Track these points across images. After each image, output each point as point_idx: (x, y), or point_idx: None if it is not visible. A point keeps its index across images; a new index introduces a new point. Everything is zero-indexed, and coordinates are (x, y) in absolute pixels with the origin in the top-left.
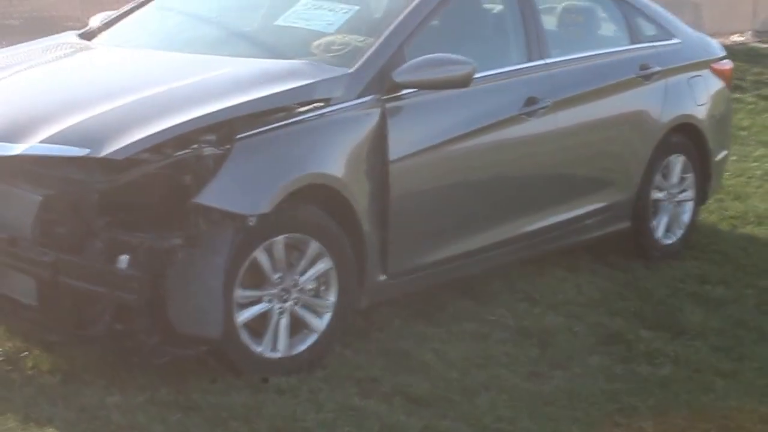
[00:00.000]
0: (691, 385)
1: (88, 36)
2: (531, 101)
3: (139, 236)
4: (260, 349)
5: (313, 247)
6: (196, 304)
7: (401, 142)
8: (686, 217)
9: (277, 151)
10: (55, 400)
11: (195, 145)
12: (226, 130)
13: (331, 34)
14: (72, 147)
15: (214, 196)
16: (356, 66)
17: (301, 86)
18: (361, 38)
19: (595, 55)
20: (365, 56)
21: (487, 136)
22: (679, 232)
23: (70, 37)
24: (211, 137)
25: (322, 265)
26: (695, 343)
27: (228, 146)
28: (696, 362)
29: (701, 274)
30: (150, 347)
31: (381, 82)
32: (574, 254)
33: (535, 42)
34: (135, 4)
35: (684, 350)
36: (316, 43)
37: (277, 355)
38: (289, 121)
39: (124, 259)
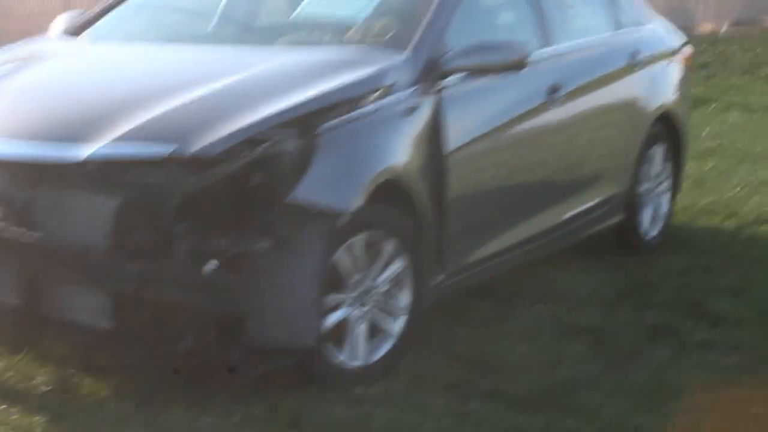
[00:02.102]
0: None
1: (75, 33)
2: (553, 89)
3: (227, 241)
4: (342, 357)
5: (390, 245)
6: (286, 311)
7: (456, 131)
8: (665, 209)
9: (359, 144)
10: (138, 428)
11: (275, 140)
12: (306, 123)
13: (364, 19)
14: (151, 145)
15: (304, 194)
16: (408, 51)
17: (371, 73)
18: (398, 22)
19: (592, 41)
20: (414, 41)
21: (524, 124)
22: (660, 224)
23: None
24: (292, 131)
25: (398, 265)
26: (739, 331)
27: (311, 140)
28: (755, 349)
29: (703, 266)
30: (237, 362)
31: (433, 67)
32: (561, 253)
33: (544, 28)
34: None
35: (735, 338)
36: (353, 29)
37: (358, 363)
38: (365, 111)
39: (211, 267)
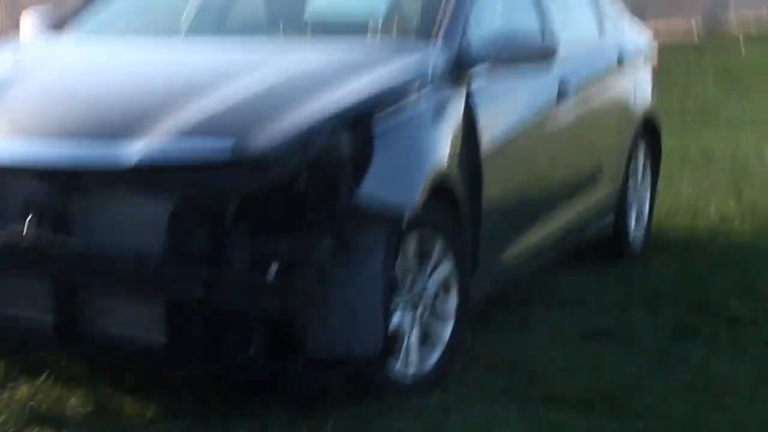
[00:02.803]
0: None
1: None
2: (563, 86)
3: (287, 245)
4: (397, 366)
5: (439, 245)
6: (349, 318)
7: (486, 125)
8: (646, 210)
9: (413, 139)
10: None
11: (333, 138)
12: (361, 119)
13: (383, 8)
14: (207, 145)
15: (365, 193)
16: (440, 41)
17: (413, 66)
18: (420, 12)
19: (586, 39)
20: (442, 31)
21: (544, 121)
22: (643, 226)
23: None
24: (349, 128)
25: (446, 266)
26: (759, 329)
27: (368, 137)
28: None
29: (695, 267)
30: (297, 374)
31: (464, 58)
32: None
33: (545, 23)
34: None
35: (761, 336)
36: (374, 20)
37: (412, 372)
38: (414, 105)
39: (272, 273)
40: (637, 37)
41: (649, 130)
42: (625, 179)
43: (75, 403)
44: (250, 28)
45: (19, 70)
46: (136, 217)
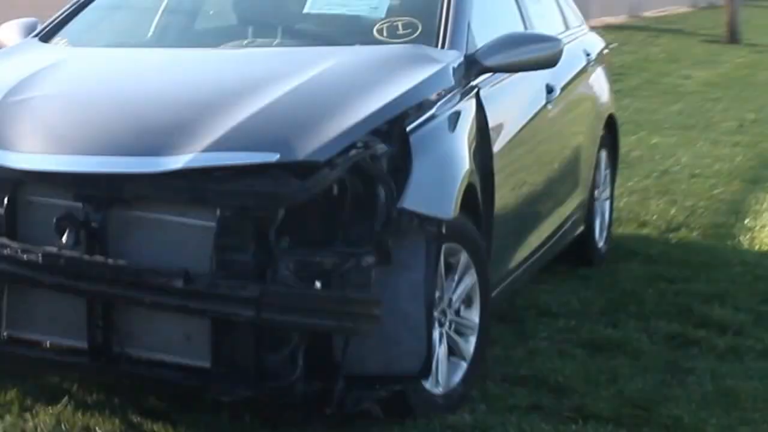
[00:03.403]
0: None
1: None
2: (549, 88)
3: (333, 256)
4: (427, 384)
5: (464, 258)
6: (393, 333)
7: (495, 132)
8: (607, 217)
9: (444, 146)
10: None
11: (373, 145)
12: (397, 125)
13: (382, 17)
14: (252, 153)
15: (406, 201)
16: (447, 47)
17: (437, 72)
18: (417, 19)
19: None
20: (449, 37)
21: (537, 125)
22: (606, 233)
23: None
24: (387, 135)
25: (469, 279)
26: (748, 337)
27: (404, 144)
28: None
29: (665, 274)
30: (340, 393)
31: (473, 63)
32: None
33: (526, 24)
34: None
35: (756, 343)
36: (377, 26)
37: (440, 389)
38: (441, 111)
39: (318, 286)
40: (595, 39)
41: (610, 134)
42: (593, 185)
43: (104, 430)
44: (253, 37)
45: (30, 81)
46: (180, 233)
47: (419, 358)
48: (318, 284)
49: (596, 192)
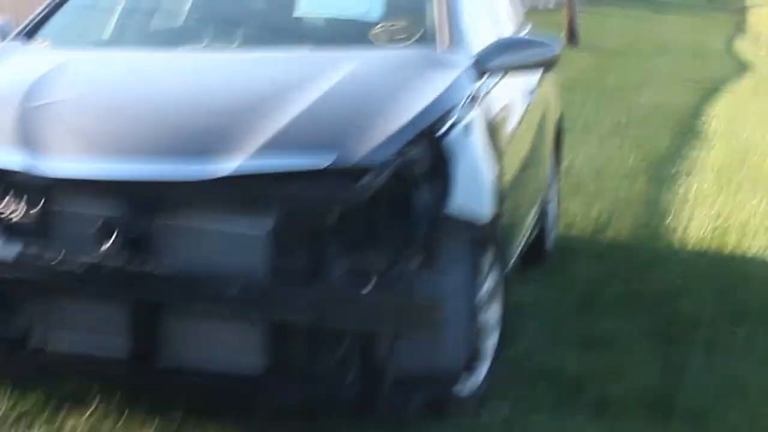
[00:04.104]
0: None
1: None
2: (531, 88)
3: (382, 258)
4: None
5: (490, 258)
6: (439, 334)
7: (499, 135)
8: (552, 218)
9: (474, 149)
10: None
11: (417, 148)
12: (435, 129)
13: (376, 20)
14: (304, 156)
15: (449, 203)
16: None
17: (461, 76)
18: (412, 21)
19: None
20: (449, 40)
21: (525, 125)
22: (553, 233)
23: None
24: (428, 138)
25: (493, 277)
26: (723, 332)
27: (434, 148)
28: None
29: (616, 273)
30: (386, 394)
31: (479, 67)
32: None
33: (494, 21)
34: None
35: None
36: (374, 30)
37: (466, 390)
38: (468, 114)
39: (369, 288)
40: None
41: (557, 136)
42: (548, 185)
43: None
44: (244, 40)
45: (42, 86)
46: (228, 239)
47: (461, 358)
48: (369, 288)
49: (549, 193)
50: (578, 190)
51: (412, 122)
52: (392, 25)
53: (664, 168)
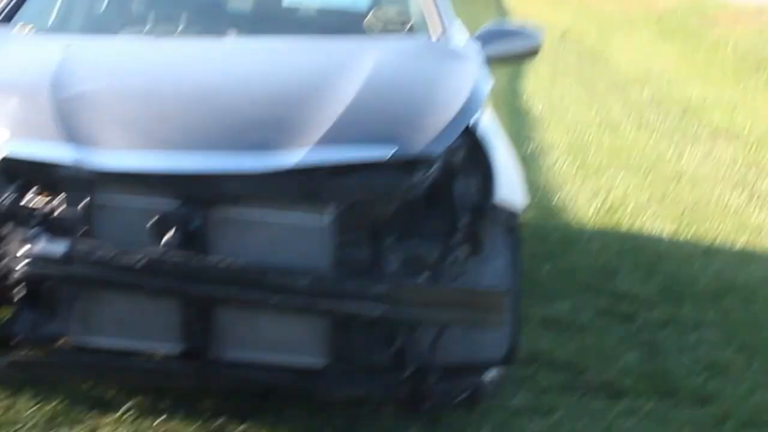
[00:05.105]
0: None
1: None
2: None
3: (435, 248)
4: None
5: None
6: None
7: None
8: None
9: (499, 139)
10: None
11: (463, 139)
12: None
13: (366, 9)
14: (366, 147)
15: (500, 193)
16: (450, 39)
17: (481, 66)
18: (397, 12)
19: None
20: (444, 29)
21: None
22: None
23: None
24: (471, 127)
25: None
26: (665, 309)
27: (475, 135)
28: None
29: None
30: (431, 385)
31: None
32: None
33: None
34: None
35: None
36: (368, 19)
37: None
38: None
39: (424, 278)
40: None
41: None
42: None
43: None
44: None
45: (65, 74)
46: (289, 231)
47: (503, 346)
48: (424, 277)
49: None
50: None
51: (463, 112)
52: (383, 15)
53: (517, 150)
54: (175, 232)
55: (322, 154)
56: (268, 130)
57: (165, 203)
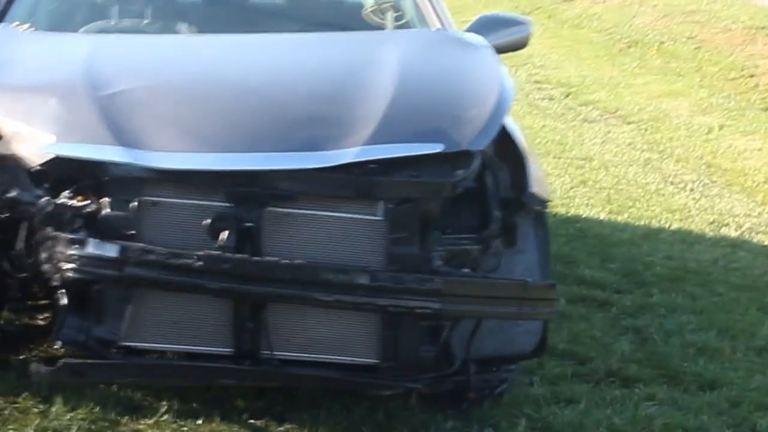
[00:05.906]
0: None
1: None
2: None
3: (472, 242)
4: None
5: None
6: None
7: None
8: None
9: (520, 131)
10: None
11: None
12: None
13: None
14: (418, 144)
15: (534, 186)
16: (449, 29)
17: (498, 58)
18: (392, 2)
19: None
20: (441, 20)
21: None
22: None
23: None
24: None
25: None
26: (634, 295)
27: (504, 128)
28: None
29: None
30: (475, 379)
31: None
32: None
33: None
34: None
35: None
36: (367, 10)
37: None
38: None
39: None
40: None
41: None
42: None
43: None
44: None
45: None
46: (342, 228)
47: (534, 337)
48: (466, 271)
49: None
50: None
51: (500, 104)
52: (380, 7)
53: None
54: (230, 232)
55: (374, 151)
56: (318, 128)
57: (218, 203)
